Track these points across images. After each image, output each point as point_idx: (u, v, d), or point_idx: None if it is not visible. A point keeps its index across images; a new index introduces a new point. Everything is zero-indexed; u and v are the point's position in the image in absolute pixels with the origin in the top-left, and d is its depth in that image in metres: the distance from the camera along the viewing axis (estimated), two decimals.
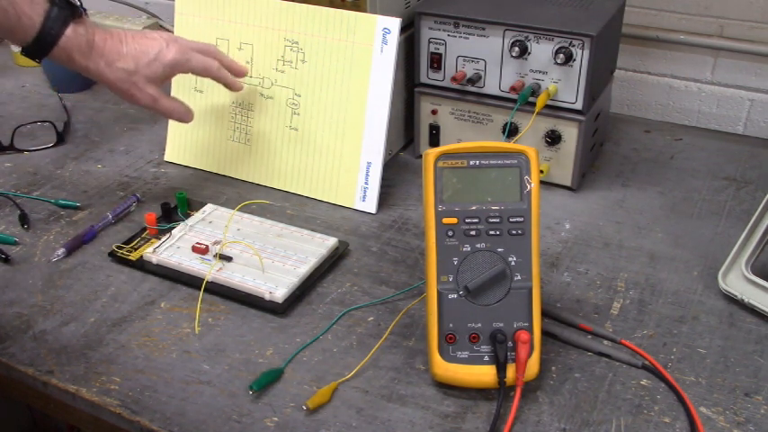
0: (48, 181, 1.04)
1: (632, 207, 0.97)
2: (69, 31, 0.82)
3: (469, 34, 0.97)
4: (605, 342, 0.75)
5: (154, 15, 1.52)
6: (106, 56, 0.85)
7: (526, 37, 0.93)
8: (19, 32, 0.81)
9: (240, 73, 0.98)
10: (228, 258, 0.85)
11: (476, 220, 0.69)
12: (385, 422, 0.67)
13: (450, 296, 0.69)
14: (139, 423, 0.68)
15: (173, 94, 1.06)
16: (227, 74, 0.95)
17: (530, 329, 0.68)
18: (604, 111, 1.07)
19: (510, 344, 0.68)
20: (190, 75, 1.04)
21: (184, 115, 0.93)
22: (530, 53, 0.94)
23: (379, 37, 0.93)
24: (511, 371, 0.68)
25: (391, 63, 0.93)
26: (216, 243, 0.87)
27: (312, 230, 0.90)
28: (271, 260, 0.84)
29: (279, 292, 0.80)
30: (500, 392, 0.67)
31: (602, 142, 1.11)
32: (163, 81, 0.89)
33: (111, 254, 0.88)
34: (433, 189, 0.69)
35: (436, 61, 1.00)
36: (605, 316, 0.79)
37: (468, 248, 0.69)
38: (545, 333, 0.75)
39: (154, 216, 0.91)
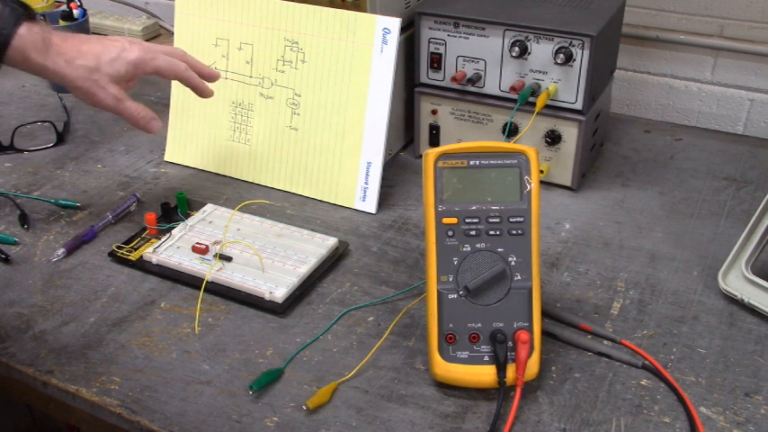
0: (48, 181, 1.04)
1: (632, 207, 0.97)
2: (23, 29, 0.78)
3: (469, 34, 0.97)
4: (605, 342, 0.75)
5: (154, 15, 1.52)
6: (66, 53, 0.80)
7: (526, 37, 0.93)
8: None
9: (211, 77, 0.92)
10: (228, 258, 0.85)
11: (476, 220, 0.69)
12: (385, 422, 0.67)
13: (451, 296, 0.69)
14: (139, 423, 0.68)
15: (173, 93, 1.07)
16: (196, 76, 0.89)
17: (530, 329, 0.68)
18: (604, 111, 1.07)
19: (510, 344, 0.68)
20: None
21: (150, 123, 0.86)
22: (530, 53, 0.94)
23: (379, 37, 0.93)
24: (511, 371, 0.68)
25: (391, 63, 0.93)
26: (216, 243, 0.87)
27: (312, 230, 0.90)
28: (271, 260, 0.84)
29: (279, 292, 0.80)
30: (500, 392, 0.67)
31: (602, 142, 1.11)
32: (127, 82, 0.85)
33: (111, 254, 0.88)
34: (433, 189, 0.69)
35: (436, 61, 1.00)
36: (605, 316, 0.79)
37: (468, 248, 0.69)
38: (545, 333, 0.75)
39: (154, 216, 0.91)
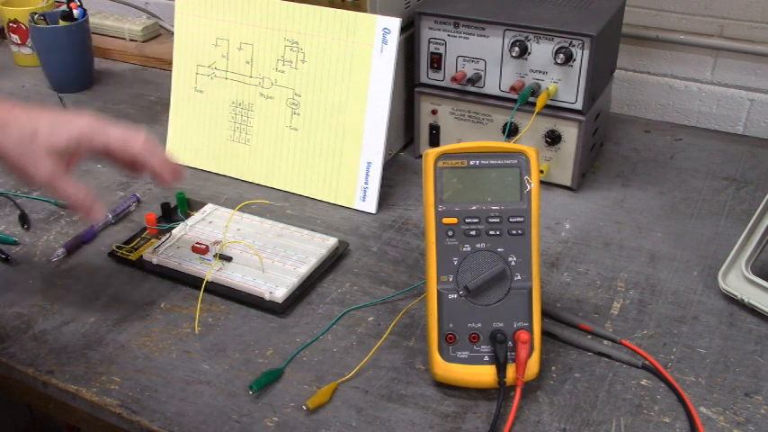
0: None
1: (632, 207, 0.97)
2: None
3: (469, 34, 0.97)
4: (605, 342, 0.75)
5: (154, 15, 1.52)
6: None
7: (526, 37, 0.93)
8: None
9: (175, 172, 0.76)
10: (228, 258, 0.85)
11: (476, 220, 0.69)
12: (385, 422, 0.67)
13: (451, 296, 0.69)
14: (139, 423, 0.68)
15: (173, 93, 1.07)
16: (158, 157, 0.74)
17: (530, 329, 0.68)
18: (604, 111, 1.07)
19: (510, 344, 0.68)
20: (190, 73, 1.05)
21: (90, 210, 0.71)
22: (530, 53, 0.94)
23: (379, 37, 0.93)
24: (511, 371, 0.68)
25: (391, 63, 0.93)
26: (216, 243, 0.87)
27: (312, 230, 0.90)
28: (271, 260, 0.84)
29: (279, 292, 0.80)
30: (500, 392, 0.67)
31: (602, 142, 1.11)
32: (69, 158, 0.71)
33: (111, 254, 0.88)
34: (433, 189, 0.69)
35: (436, 61, 1.00)
36: (605, 316, 0.79)
37: (468, 248, 0.69)
38: (545, 333, 0.75)
39: (154, 216, 0.91)
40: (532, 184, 0.69)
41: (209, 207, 0.94)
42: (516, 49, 0.94)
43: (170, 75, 1.07)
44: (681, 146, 1.12)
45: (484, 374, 0.68)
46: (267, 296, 0.80)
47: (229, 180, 1.04)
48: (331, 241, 0.88)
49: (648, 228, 0.93)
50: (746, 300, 0.78)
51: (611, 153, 1.10)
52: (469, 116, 1.02)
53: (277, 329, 0.78)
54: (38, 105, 0.71)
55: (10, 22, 1.35)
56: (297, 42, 0.97)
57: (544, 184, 1.01)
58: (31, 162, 0.68)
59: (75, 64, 1.28)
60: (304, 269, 0.83)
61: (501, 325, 0.68)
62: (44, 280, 0.85)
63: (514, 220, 0.69)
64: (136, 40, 1.45)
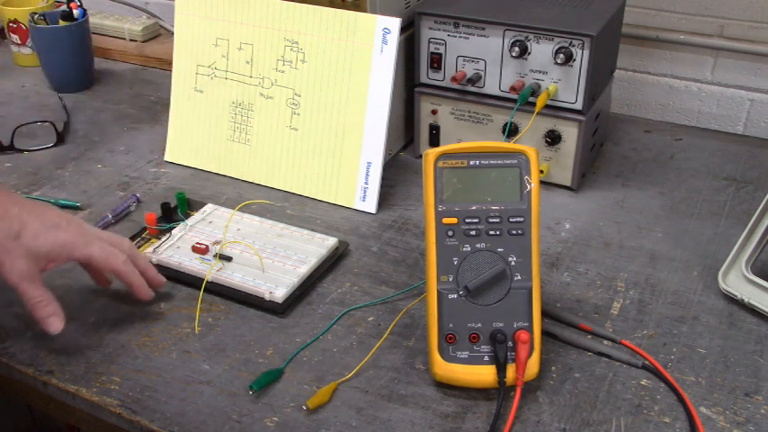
0: (48, 181, 1.04)
1: (632, 207, 0.97)
2: None
3: (469, 34, 0.97)
4: (605, 342, 0.75)
5: (154, 15, 1.52)
6: None
7: (526, 37, 0.93)
8: None
9: (154, 282, 0.79)
10: (228, 258, 0.85)
11: (476, 220, 0.69)
12: (385, 422, 0.67)
13: (451, 296, 0.69)
14: (139, 423, 0.68)
15: (173, 93, 1.07)
16: (137, 273, 0.77)
17: (530, 329, 0.68)
18: (604, 111, 1.07)
19: (510, 344, 0.68)
20: (190, 73, 1.05)
21: (48, 319, 0.72)
22: (530, 53, 0.94)
23: (379, 37, 0.93)
24: (511, 371, 0.68)
25: (391, 63, 0.93)
26: (216, 243, 0.87)
27: (312, 230, 0.90)
28: (271, 260, 0.84)
29: (279, 292, 0.80)
30: (500, 392, 0.67)
31: (602, 142, 1.11)
32: (44, 263, 0.72)
33: None
34: (433, 189, 0.69)
35: (436, 61, 1.00)
36: (605, 316, 0.79)
37: (468, 248, 0.69)
38: (545, 333, 0.75)
39: (154, 216, 0.91)
40: (532, 184, 0.69)
41: (209, 207, 0.94)
42: (516, 49, 0.94)
43: (170, 75, 1.07)
44: (681, 146, 1.12)
45: (484, 374, 0.68)
46: (267, 296, 0.80)
47: (229, 180, 1.04)
48: (331, 241, 0.88)
49: (648, 228, 0.93)
50: (746, 300, 0.78)
51: (611, 153, 1.10)
52: (469, 116, 1.02)
53: (277, 329, 0.78)
54: (36, 204, 0.73)
55: (10, 22, 1.35)
56: (297, 42, 0.97)
57: (544, 184, 1.01)
58: (8, 260, 0.69)
59: (75, 64, 1.28)
60: (304, 269, 0.83)
61: (501, 325, 0.68)
62: (44, 280, 0.84)
63: (514, 220, 0.69)
64: (136, 40, 1.45)
